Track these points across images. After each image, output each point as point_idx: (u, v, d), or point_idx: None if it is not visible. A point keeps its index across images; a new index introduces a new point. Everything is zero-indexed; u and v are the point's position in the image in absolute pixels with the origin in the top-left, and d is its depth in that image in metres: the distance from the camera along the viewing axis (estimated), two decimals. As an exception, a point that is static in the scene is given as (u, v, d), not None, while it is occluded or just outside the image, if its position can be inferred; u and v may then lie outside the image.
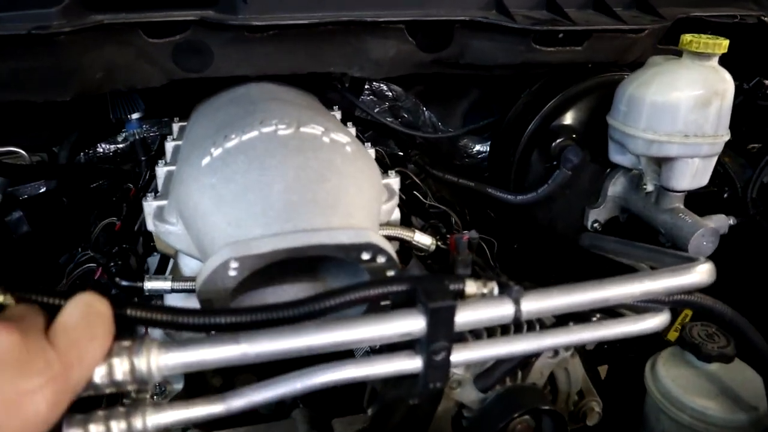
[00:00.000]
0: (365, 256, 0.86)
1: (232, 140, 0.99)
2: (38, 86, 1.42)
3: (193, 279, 1.13)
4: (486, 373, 0.95)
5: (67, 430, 0.67)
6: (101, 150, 1.99)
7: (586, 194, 1.66)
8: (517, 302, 0.75)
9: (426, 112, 2.07)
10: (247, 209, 0.88)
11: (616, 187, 1.64)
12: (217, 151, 0.99)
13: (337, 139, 1.02)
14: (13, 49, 1.33)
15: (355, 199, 0.93)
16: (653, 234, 1.57)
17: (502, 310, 0.75)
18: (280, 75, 1.55)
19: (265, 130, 0.99)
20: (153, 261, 1.37)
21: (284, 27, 1.41)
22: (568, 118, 1.65)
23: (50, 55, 1.36)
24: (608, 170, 1.64)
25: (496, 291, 0.79)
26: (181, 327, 0.72)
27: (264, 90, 1.43)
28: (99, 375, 0.66)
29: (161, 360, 0.67)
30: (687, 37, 1.39)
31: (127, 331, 0.87)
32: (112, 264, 1.15)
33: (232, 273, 0.83)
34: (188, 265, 1.21)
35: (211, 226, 0.91)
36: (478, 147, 2.05)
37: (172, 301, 1.21)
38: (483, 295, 0.78)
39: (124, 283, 1.13)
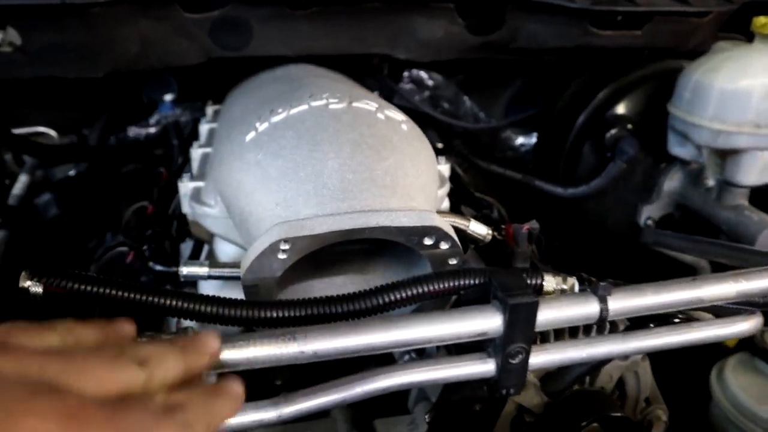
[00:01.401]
0: (427, 242, 0.78)
1: (279, 114, 0.92)
2: (70, 61, 1.36)
3: (231, 265, 1.06)
4: (555, 376, 0.87)
5: None
6: (132, 134, 1.93)
7: (639, 189, 1.57)
8: (603, 300, 0.67)
9: (467, 102, 1.99)
10: (297, 187, 0.80)
11: (672, 182, 1.54)
12: (262, 126, 0.91)
13: (392, 116, 0.94)
14: (45, 21, 1.27)
15: (413, 180, 0.85)
16: (709, 231, 1.47)
17: (588, 309, 0.67)
18: (320, 56, 1.48)
19: (315, 103, 0.91)
20: (185, 247, 1.31)
21: (328, 2, 1.33)
22: (623, 108, 1.56)
23: (83, 28, 1.30)
24: (665, 164, 1.54)
25: (576, 287, 0.70)
26: (228, 321, 0.65)
27: (307, 69, 1.36)
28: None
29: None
30: (761, 20, 1.29)
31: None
32: (145, 248, 1.09)
33: (282, 256, 0.75)
34: (225, 251, 1.14)
35: (256, 205, 0.84)
36: (520, 139, 1.96)
37: (208, 288, 1.15)
38: (563, 292, 0.70)
39: (158, 267, 1.06)
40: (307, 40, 1.44)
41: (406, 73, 2.02)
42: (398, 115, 0.96)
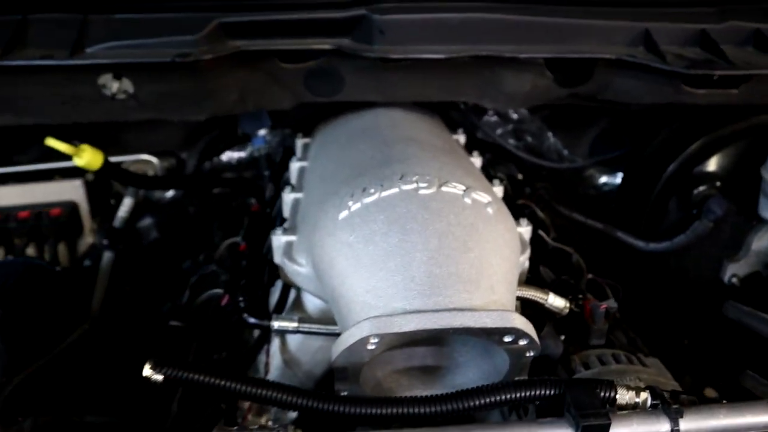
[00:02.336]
0: (507, 339, 0.82)
1: (371, 195, 0.97)
2: (177, 107, 1.47)
3: (319, 321, 1.14)
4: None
5: None
6: (225, 158, 2.04)
7: (725, 246, 1.54)
8: (675, 422, 0.69)
9: (551, 138, 1.99)
10: (387, 278, 0.86)
11: (762, 241, 1.50)
12: (355, 206, 0.97)
13: (478, 199, 0.98)
14: (156, 74, 1.38)
15: (496, 269, 0.89)
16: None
17: (658, 429, 0.69)
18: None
19: (406, 187, 0.96)
20: (273, 290, 1.38)
21: (420, 60, 1.37)
22: (713, 164, 1.53)
23: (190, 78, 1.40)
24: (755, 222, 1.51)
25: (649, 402, 0.73)
26: (327, 414, 0.72)
27: (395, 122, 1.41)
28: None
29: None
30: None
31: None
32: (240, 299, 1.17)
33: (371, 347, 0.81)
34: (312, 302, 1.22)
35: (347, 288, 0.90)
36: (604, 178, 1.95)
37: (293, 338, 1.23)
38: (635, 406, 0.73)
39: (251, 320, 1.14)
40: (397, 89, 1.49)
41: (490, 106, 2.03)
42: (484, 197, 0.99)
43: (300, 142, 1.66)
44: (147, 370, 0.74)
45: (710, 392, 1.06)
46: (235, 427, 0.69)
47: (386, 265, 0.87)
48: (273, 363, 1.26)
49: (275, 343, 1.26)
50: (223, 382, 0.73)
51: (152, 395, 1.15)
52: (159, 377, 0.74)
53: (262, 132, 1.84)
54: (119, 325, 1.63)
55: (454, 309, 0.81)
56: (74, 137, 1.56)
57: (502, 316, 0.80)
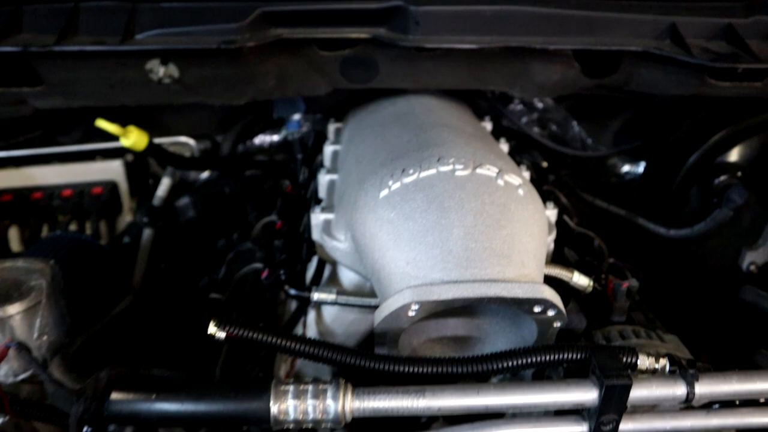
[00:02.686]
0: (536, 309, 0.89)
1: (410, 175, 1.04)
2: (219, 92, 1.54)
3: (355, 294, 1.21)
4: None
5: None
6: (258, 141, 2.12)
7: (744, 234, 1.58)
8: (691, 385, 0.76)
9: (576, 127, 2.04)
10: (426, 251, 0.93)
11: (781, 231, 1.55)
12: (395, 185, 1.04)
13: (510, 181, 1.04)
14: (201, 59, 1.45)
15: (527, 246, 0.96)
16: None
17: (675, 391, 0.76)
18: (439, 89, 1.59)
19: (444, 169, 1.03)
20: (309, 265, 1.46)
21: (453, 50, 1.43)
22: (735, 155, 1.57)
23: (232, 64, 1.48)
24: (774, 211, 1.55)
25: (668, 367, 0.79)
26: (368, 373, 0.79)
27: (427, 108, 1.47)
28: (298, 412, 0.74)
29: (354, 404, 0.74)
30: None
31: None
32: (281, 272, 1.25)
33: (411, 314, 0.88)
34: (348, 277, 1.29)
35: (388, 260, 0.97)
36: (626, 167, 1.99)
37: (328, 310, 1.30)
38: (654, 371, 0.79)
39: (292, 291, 1.22)
40: (429, 77, 1.55)
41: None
42: (515, 179, 1.06)
43: (332, 127, 1.73)
44: (212, 328, 0.82)
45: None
46: (291, 380, 0.77)
47: (425, 239, 0.94)
48: (308, 334, 1.34)
49: (311, 315, 1.34)
50: (279, 340, 0.81)
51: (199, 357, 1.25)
52: (222, 334, 0.81)
53: (296, 117, 1.91)
54: (160, 297, 1.72)
55: (489, 280, 0.88)
56: (116, 120, 1.64)
57: (532, 288, 0.87)
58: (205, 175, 2.08)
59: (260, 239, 1.65)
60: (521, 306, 0.88)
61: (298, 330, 1.36)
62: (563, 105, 2.04)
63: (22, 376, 1.09)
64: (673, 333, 1.26)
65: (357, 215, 1.09)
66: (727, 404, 0.87)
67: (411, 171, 1.05)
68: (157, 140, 1.94)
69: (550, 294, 0.88)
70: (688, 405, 0.82)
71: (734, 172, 1.55)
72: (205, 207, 1.94)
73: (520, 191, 1.04)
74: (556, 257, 1.34)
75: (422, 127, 1.27)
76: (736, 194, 1.49)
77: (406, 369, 0.78)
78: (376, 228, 1.01)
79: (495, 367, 0.78)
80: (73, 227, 2.00)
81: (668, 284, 1.71)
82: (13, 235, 2.01)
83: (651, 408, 0.91)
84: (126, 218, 2.08)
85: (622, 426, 0.78)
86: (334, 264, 1.34)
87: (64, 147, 2.06)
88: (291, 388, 0.76)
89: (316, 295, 1.20)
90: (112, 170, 2.04)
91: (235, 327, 0.80)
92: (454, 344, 1.06)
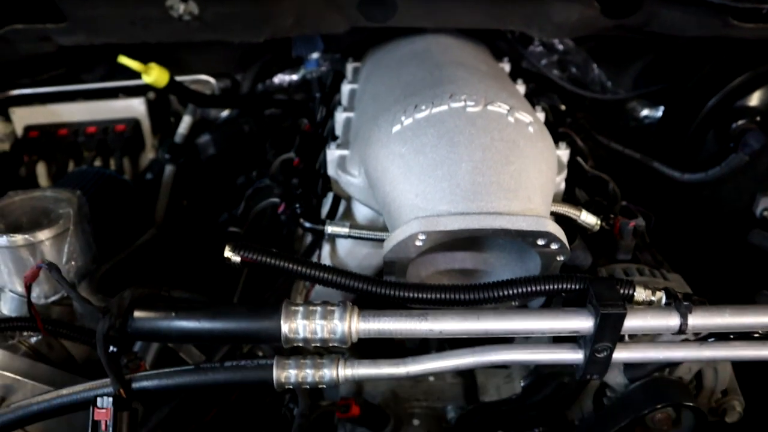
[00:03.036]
0: (540, 242, 0.92)
1: (422, 111, 1.06)
2: (238, 29, 1.55)
3: (368, 228, 1.25)
4: (637, 365, 1.00)
5: (276, 371, 0.81)
6: (277, 80, 2.14)
7: (759, 180, 1.58)
8: (684, 317, 0.79)
9: (596, 69, 2.02)
10: (435, 184, 0.95)
11: (797, 177, 1.55)
12: (407, 121, 1.06)
13: (520, 118, 1.06)
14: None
15: (534, 182, 0.98)
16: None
17: (668, 322, 0.79)
18: (457, 28, 1.58)
19: (455, 105, 1.04)
20: (324, 201, 1.50)
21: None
22: (755, 99, 1.56)
23: (250, 2, 1.48)
24: (790, 157, 1.54)
25: (663, 300, 0.82)
26: (373, 295, 0.83)
27: (444, 48, 1.47)
28: (307, 331, 0.79)
29: (360, 325, 0.79)
30: None
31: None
32: (297, 206, 1.29)
33: (418, 243, 0.92)
34: (361, 212, 1.33)
35: (399, 192, 1.00)
36: (645, 111, 1.98)
37: (342, 244, 1.35)
38: (650, 303, 0.82)
39: (307, 224, 1.26)
40: (448, 15, 1.54)
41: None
42: (526, 117, 1.07)
43: (350, 66, 1.74)
44: (227, 252, 0.86)
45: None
46: (302, 302, 0.81)
47: (434, 173, 0.96)
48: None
49: (326, 248, 1.38)
50: (292, 265, 0.85)
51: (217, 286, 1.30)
52: (237, 258, 0.86)
53: (314, 55, 1.91)
54: (182, 231, 1.78)
55: (494, 213, 0.91)
56: (138, 58, 1.67)
57: (536, 221, 0.90)
58: (225, 113, 2.12)
59: (278, 176, 1.68)
60: (525, 238, 0.91)
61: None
62: (584, 47, 2.01)
63: (52, 298, 1.16)
64: (681, 275, 1.29)
65: (370, 150, 1.11)
66: (722, 338, 0.90)
67: (423, 107, 1.07)
68: (178, 78, 1.97)
69: (554, 228, 0.91)
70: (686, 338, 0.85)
71: (753, 117, 1.54)
72: (225, 144, 1.98)
73: (530, 129, 1.05)
74: (567, 197, 1.36)
75: (437, 65, 1.28)
76: (753, 139, 1.48)
77: (409, 294, 0.82)
78: (388, 162, 1.04)
79: (495, 295, 0.81)
80: (97, 163, 2.05)
81: (681, 228, 1.72)
82: (41, 171, 2.07)
83: (650, 339, 0.95)
84: (149, 155, 2.13)
85: (617, 354, 0.82)
86: (348, 200, 1.37)
87: (88, 84, 2.10)
88: (301, 308, 0.80)
89: (330, 228, 1.24)
90: (135, 108, 2.08)
91: (250, 251, 0.84)
92: (461, 277, 1.10)
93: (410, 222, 0.92)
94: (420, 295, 0.82)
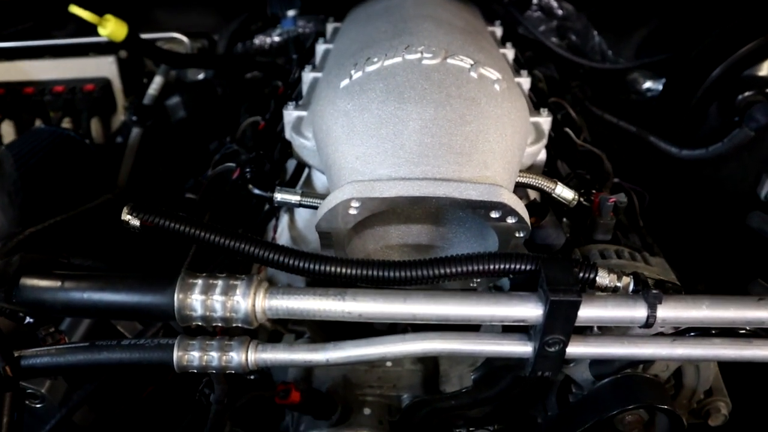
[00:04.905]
0: (494, 215, 0.79)
1: (373, 64, 0.93)
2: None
3: (322, 196, 1.13)
4: (604, 361, 0.87)
5: (177, 352, 0.70)
6: (258, 41, 2.00)
7: (765, 159, 1.44)
8: (652, 307, 0.66)
9: (596, 37, 1.87)
10: (377, 145, 0.83)
11: (807, 156, 1.40)
12: (356, 74, 0.94)
13: (485, 74, 0.93)
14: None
15: (494, 146, 0.85)
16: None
17: (633, 313, 0.66)
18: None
19: (410, 57, 0.91)
20: (290, 166, 1.38)
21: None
22: (766, 69, 1.40)
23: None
24: (802, 135, 1.40)
25: (631, 287, 0.70)
26: (280, 266, 0.71)
27: (421, 3, 1.33)
28: (205, 307, 0.67)
29: (267, 303, 0.67)
30: None
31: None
32: (248, 170, 1.17)
33: (353, 212, 0.80)
34: (321, 179, 1.21)
35: (340, 154, 0.88)
36: (648, 83, 1.83)
37: (302, 215, 1.23)
38: (615, 290, 0.70)
39: (256, 191, 1.14)
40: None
41: (535, 0, 1.92)
42: (492, 74, 0.94)
43: (330, 26, 1.61)
44: (125, 214, 0.75)
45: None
46: (204, 273, 0.70)
47: (378, 132, 0.84)
48: (281, 239, 1.27)
49: (285, 218, 1.26)
50: (196, 231, 0.73)
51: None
52: (136, 222, 0.74)
53: (291, 13, 1.78)
54: (142, 197, 1.67)
55: (440, 179, 0.78)
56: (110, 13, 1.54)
57: (488, 190, 0.77)
58: (202, 76, 1.99)
59: (245, 140, 1.57)
60: (476, 210, 0.78)
61: (269, 234, 1.29)
62: (585, 13, 1.87)
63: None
64: (676, 261, 1.15)
65: (318, 108, 0.99)
66: (705, 333, 0.78)
67: (375, 59, 0.94)
68: (147, 35, 1.85)
69: (509, 198, 0.78)
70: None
71: (761, 88, 1.39)
72: (196, 107, 1.86)
73: (496, 86, 0.92)
74: (548, 169, 1.23)
75: (404, 18, 1.15)
76: (759, 113, 1.33)
77: (317, 267, 0.70)
78: (332, 121, 0.92)
79: (425, 273, 0.69)
80: (66, 124, 1.94)
81: (678, 210, 1.59)
82: (8, 130, 1.97)
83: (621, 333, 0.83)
84: (120, 117, 2.02)
85: (571, 349, 0.69)
86: (310, 169, 1.25)
87: (56, 40, 1.99)
88: (200, 281, 0.69)
89: (278, 196, 1.11)
90: (105, 67, 1.96)
91: (150, 214, 0.73)
92: (415, 253, 0.98)
93: (343, 187, 0.80)
94: (327, 269, 0.69)
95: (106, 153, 1.82)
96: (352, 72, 0.95)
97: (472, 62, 0.93)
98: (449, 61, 0.91)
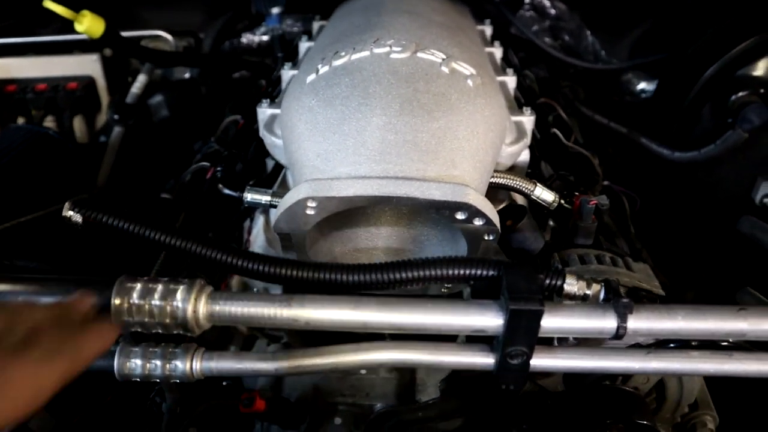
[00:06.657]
0: (460, 216, 0.75)
1: (340, 58, 0.89)
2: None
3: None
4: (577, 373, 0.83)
5: (119, 359, 0.66)
6: (245, 40, 1.97)
7: (760, 162, 1.39)
8: (623, 317, 0.61)
9: (589, 37, 1.82)
10: (339, 142, 0.79)
11: (804, 159, 1.35)
12: (323, 69, 0.89)
13: (458, 69, 0.88)
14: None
15: (463, 143, 0.80)
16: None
17: (602, 323, 0.62)
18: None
19: (378, 50, 0.87)
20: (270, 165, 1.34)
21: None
22: (760, 68, 1.35)
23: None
24: (798, 137, 1.35)
25: (602, 295, 0.65)
26: (226, 267, 0.67)
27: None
28: (143, 313, 0.63)
29: (209, 308, 0.63)
30: None
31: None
32: (219, 169, 1.12)
33: (309, 212, 0.75)
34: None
35: (302, 152, 0.83)
36: (642, 85, 1.78)
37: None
38: (584, 298, 0.65)
39: (225, 191, 1.10)
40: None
41: (528, 0, 1.88)
42: (466, 69, 0.89)
43: (317, 24, 1.58)
44: (66, 210, 0.71)
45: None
46: (145, 277, 0.65)
47: (341, 128, 0.79)
48: (257, 242, 1.23)
49: (260, 220, 1.22)
50: (140, 229, 0.69)
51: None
52: (78, 218, 0.70)
53: (275, 10, 1.74)
54: (120, 197, 1.63)
55: (401, 177, 0.74)
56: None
57: (453, 189, 0.72)
58: (188, 75, 1.96)
59: (228, 138, 1.53)
60: (440, 211, 0.73)
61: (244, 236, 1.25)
62: (578, 13, 1.82)
63: None
64: (666, 267, 1.11)
65: (285, 104, 0.95)
66: (685, 345, 0.73)
67: (343, 53, 0.89)
68: (130, 33, 1.82)
69: (476, 199, 0.73)
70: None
71: (756, 88, 1.34)
72: (179, 106, 1.82)
73: (469, 82, 0.88)
74: (531, 171, 1.18)
75: (380, 13, 1.10)
76: (754, 113, 1.28)
77: (266, 269, 0.65)
78: (296, 117, 0.87)
79: (387, 278, 0.64)
80: (50, 123, 1.91)
81: (670, 214, 1.54)
82: (-9, 129, 1.94)
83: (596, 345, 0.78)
84: (105, 116, 1.98)
85: (537, 361, 0.65)
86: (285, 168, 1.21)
87: (39, 37, 1.95)
88: (139, 285, 0.64)
89: (249, 196, 1.07)
90: (89, 65, 1.92)
91: (93, 210, 0.69)
92: (385, 257, 0.93)
93: (299, 186, 0.75)
94: (273, 270, 0.65)
95: (87, 152, 1.78)
96: (319, 67, 0.90)
97: (444, 56, 0.88)
98: (419, 54, 0.87)
